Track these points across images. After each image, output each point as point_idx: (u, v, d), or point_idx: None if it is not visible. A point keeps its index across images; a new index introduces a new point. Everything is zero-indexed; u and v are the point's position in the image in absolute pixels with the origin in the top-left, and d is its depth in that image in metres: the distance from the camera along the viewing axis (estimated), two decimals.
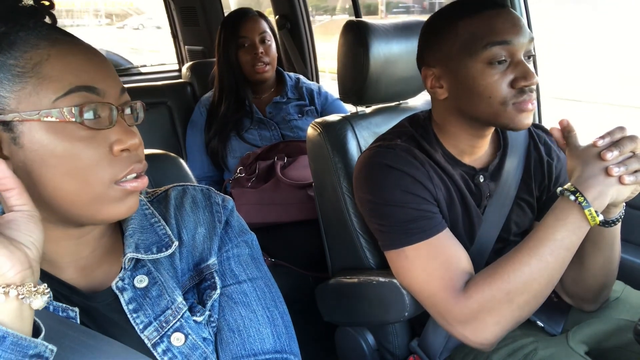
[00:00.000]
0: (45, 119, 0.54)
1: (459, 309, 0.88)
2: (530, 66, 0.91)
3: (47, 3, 0.62)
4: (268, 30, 1.89)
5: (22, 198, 0.52)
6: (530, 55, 0.93)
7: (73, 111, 0.55)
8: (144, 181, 0.61)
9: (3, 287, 0.48)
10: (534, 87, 0.91)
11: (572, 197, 0.83)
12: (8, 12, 0.58)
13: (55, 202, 0.58)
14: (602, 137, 0.84)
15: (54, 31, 0.58)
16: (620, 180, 0.82)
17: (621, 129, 0.84)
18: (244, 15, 1.87)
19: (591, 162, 0.84)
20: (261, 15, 1.91)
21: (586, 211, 0.81)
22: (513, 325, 0.88)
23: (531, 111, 0.92)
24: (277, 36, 1.99)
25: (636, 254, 1.25)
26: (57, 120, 0.55)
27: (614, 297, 1.04)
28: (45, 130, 0.55)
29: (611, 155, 0.82)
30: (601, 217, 0.82)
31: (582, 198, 0.81)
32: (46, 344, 0.50)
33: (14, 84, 0.55)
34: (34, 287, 0.50)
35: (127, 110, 0.61)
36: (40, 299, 0.50)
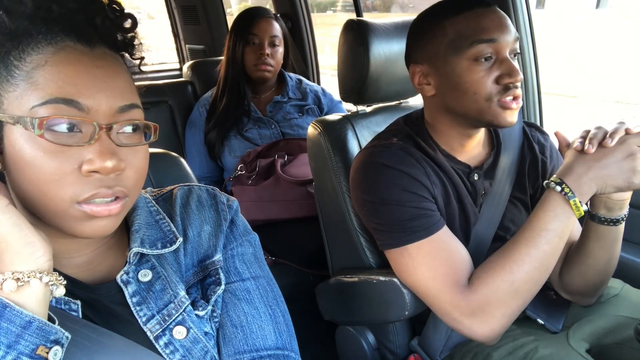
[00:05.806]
0: (16, 124, 0.53)
1: (465, 302, 0.90)
2: (516, 64, 0.93)
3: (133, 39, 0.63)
4: (280, 34, 1.88)
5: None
6: (516, 54, 0.95)
7: (33, 122, 0.53)
8: (110, 208, 0.56)
9: (39, 273, 0.51)
10: (519, 84, 0.93)
11: (559, 188, 0.87)
12: (61, 13, 0.55)
13: (30, 208, 0.57)
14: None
15: (68, 38, 0.56)
16: (585, 151, 0.87)
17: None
18: (259, 13, 1.86)
19: (574, 155, 0.89)
20: (277, 18, 1.90)
21: (571, 202, 0.86)
22: (517, 314, 0.90)
23: (515, 110, 0.94)
24: (288, 40, 1.97)
25: (635, 254, 1.25)
26: (23, 128, 0.53)
27: (613, 294, 1.05)
28: (19, 135, 0.54)
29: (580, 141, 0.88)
30: (585, 207, 0.86)
31: (568, 189, 0.86)
32: (63, 330, 0.52)
33: (9, 84, 0.54)
34: (59, 276, 0.53)
35: (128, 129, 0.58)
36: (62, 288, 0.54)
